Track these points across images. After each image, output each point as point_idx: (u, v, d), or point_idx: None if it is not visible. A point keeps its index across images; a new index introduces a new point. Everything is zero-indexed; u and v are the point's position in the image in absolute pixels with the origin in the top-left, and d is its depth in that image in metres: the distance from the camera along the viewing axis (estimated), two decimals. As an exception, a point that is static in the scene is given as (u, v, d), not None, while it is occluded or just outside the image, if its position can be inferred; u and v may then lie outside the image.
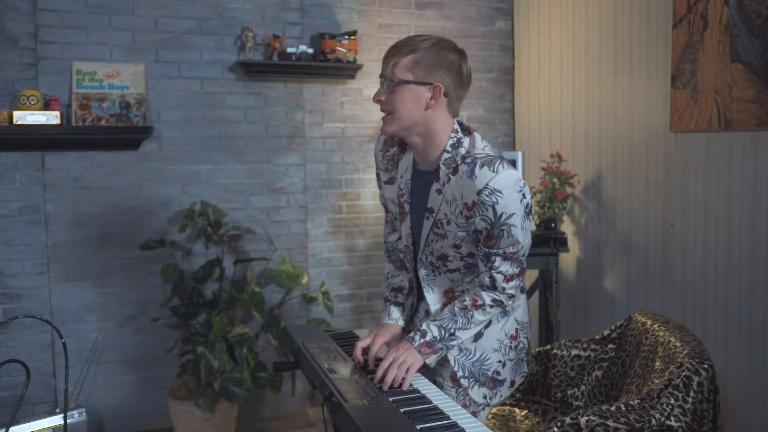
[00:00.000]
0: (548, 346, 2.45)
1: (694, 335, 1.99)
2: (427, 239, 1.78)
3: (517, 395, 2.47)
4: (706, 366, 1.78)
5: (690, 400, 1.75)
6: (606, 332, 2.36)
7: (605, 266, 3.37)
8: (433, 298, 1.86)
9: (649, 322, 2.15)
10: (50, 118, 3.09)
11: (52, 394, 3.31)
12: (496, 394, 1.85)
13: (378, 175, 1.93)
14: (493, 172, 1.61)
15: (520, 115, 4.08)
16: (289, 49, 3.52)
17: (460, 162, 1.68)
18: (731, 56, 2.56)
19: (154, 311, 3.41)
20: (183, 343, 3.34)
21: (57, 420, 1.47)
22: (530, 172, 3.82)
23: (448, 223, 1.72)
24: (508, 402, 2.45)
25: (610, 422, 1.71)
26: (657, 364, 1.94)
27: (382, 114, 1.73)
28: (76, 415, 1.49)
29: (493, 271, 1.70)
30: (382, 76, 1.71)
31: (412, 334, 1.75)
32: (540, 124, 3.87)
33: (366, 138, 3.80)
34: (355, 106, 3.79)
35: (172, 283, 3.29)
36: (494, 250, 1.68)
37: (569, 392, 2.36)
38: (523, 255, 1.71)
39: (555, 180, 3.44)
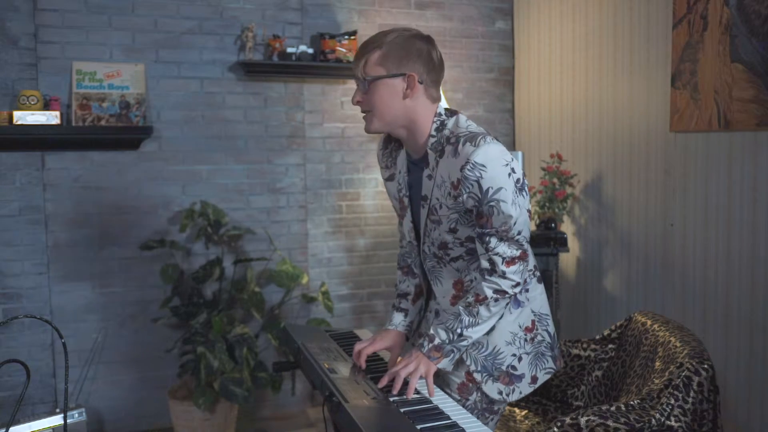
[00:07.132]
0: (548, 346, 2.44)
1: (694, 335, 1.99)
2: (426, 228, 1.76)
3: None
4: (706, 366, 1.78)
5: (690, 400, 1.75)
6: (606, 332, 2.36)
7: (605, 266, 3.37)
8: (441, 291, 1.82)
9: (649, 322, 2.15)
10: (50, 118, 3.09)
11: (52, 394, 3.31)
12: (513, 390, 1.77)
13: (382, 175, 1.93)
14: (475, 146, 1.58)
15: (520, 115, 4.08)
16: (289, 49, 3.51)
17: (445, 144, 1.66)
18: (731, 56, 2.56)
19: (154, 311, 3.41)
20: (183, 343, 3.34)
21: (57, 420, 1.47)
22: (530, 172, 3.82)
23: (441, 207, 1.69)
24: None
25: (610, 422, 1.71)
26: (657, 364, 1.94)
27: (362, 114, 1.76)
28: (76, 415, 1.49)
29: (490, 253, 1.65)
30: (355, 78, 1.73)
31: (421, 341, 1.70)
32: (540, 124, 3.87)
33: (366, 138, 3.79)
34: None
35: (172, 283, 3.29)
36: (487, 230, 1.63)
37: (569, 392, 2.36)
38: (520, 234, 1.64)
39: (555, 180, 3.44)
